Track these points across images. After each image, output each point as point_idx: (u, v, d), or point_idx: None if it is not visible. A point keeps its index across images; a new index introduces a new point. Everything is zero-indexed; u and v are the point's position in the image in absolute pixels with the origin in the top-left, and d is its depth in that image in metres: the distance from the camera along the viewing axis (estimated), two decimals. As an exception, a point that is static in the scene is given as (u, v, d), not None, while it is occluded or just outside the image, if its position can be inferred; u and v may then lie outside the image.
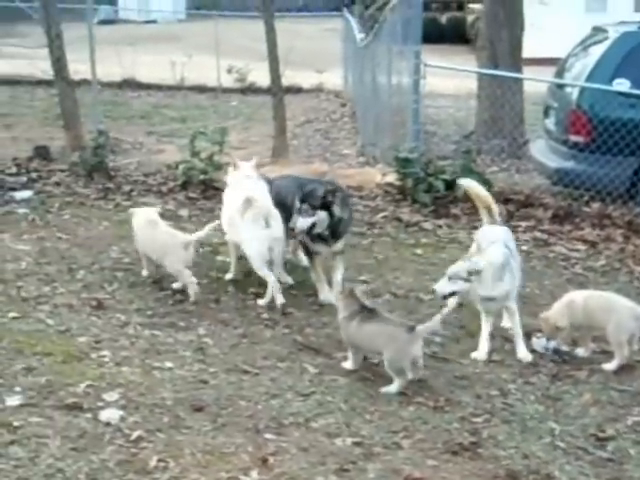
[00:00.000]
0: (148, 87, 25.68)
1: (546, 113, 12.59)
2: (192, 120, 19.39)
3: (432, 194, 10.73)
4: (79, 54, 16.20)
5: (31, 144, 14.59)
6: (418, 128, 11.64)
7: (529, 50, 16.83)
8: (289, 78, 17.74)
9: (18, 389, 5.82)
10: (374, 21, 18.38)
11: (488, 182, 10.08)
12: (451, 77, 16.59)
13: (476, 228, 10.10)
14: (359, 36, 19.68)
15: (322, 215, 7.58)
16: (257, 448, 5.27)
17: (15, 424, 5.35)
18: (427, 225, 10.22)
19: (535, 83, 15.07)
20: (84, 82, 18.10)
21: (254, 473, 4.99)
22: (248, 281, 8.00)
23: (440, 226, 10.20)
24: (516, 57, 15.39)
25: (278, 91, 14.12)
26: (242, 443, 5.30)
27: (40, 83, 24.38)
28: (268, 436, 5.42)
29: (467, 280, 6.69)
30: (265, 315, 7.37)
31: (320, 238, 7.72)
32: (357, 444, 5.40)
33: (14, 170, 12.52)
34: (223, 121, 15.23)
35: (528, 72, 15.65)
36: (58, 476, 4.82)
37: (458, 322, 7.41)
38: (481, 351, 6.82)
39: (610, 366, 6.70)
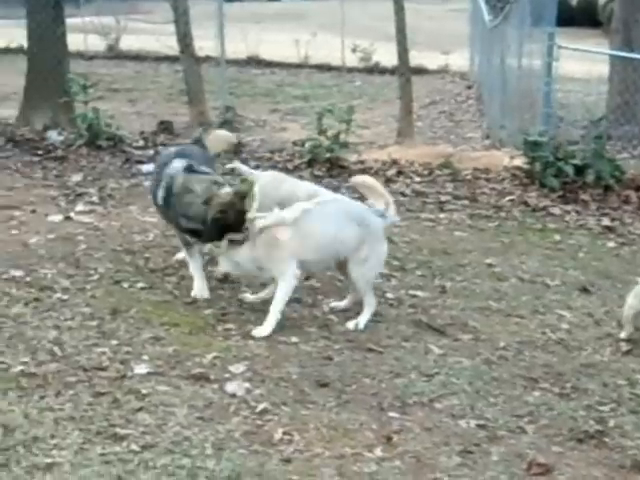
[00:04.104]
0: (272, 65, 25.89)
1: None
2: (315, 99, 19.47)
3: (561, 179, 10.57)
4: (204, 30, 16.39)
5: (155, 119, 14.86)
6: (549, 112, 11.48)
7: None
8: (414, 59, 17.63)
9: (146, 358, 5.89)
10: (504, 2, 18.14)
11: (619, 168, 9.89)
12: (581, 60, 16.28)
13: (606, 215, 9.97)
14: (488, 17, 19.47)
15: None
16: (381, 426, 5.25)
17: (143, 392, 5.41)
18: (555, 210, 10.07)
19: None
20: (208, 59, 18.34)
21: (378, 450, 4.97)
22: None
23: (568, 212, 10.04)
24: (652, 40, 15.05)
25: (405, 71, 14.07)
26: (366, 420, 5.29)
27: (165, 59, 24.77)
28: (392, 414, 5.39)
29: None
30: (390, 294, 7.35)
31: None
32: (481, 427, 5.34)
33: (141, 143, 12.75)
34: (347, 100, 15.24)
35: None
36: (185, 444, 4.86)
37: (585, 309, 7.29)
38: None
39: None
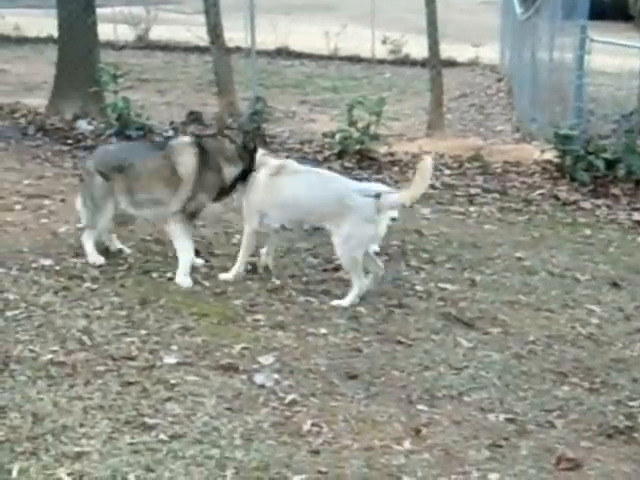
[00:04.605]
0: (302, 56, 25.85)
1: None
2: (345, 90, 19.45)
3: (592, 173, 10.49)
4: (234, 21, 16.38)
5: (184, 109, 14.86)
6: (580, 105, 11.41)
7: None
8: (445, 51, 17.56)
9: (175, 348, 5.90)
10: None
11: (650, 164, 9.84)
12: (613, 54, 16.15)
13: (636, 210, 9.90)
14: (519, 10, 19.37)
15: None
16: (410, 419, 5.23)
17: (172, 382, 5.42)
18: (585, 204, 10.01)
19: None
20: (238, 50, 18.34)
21: (407, 443, 4.96)
22: (403, 255, 8.02)
23: (599, 206, 9.98)
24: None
25: (436, 64, 14.02)
26: (395, 413, 5.28)
27: (194, 49, 24.77)
28: (421, 407, 5.38)
29: None
30: (419, 287, 7.32)
31: None
32: (510, 420, 5.31)
33: (171, 134, 12.74)
34: (376, 92, 15.18)
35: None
36: (213, 434, 4.87)
37: (615, 304, 7.24)
38: None
39: None
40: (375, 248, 7.36)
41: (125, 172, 7.20)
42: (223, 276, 7.17)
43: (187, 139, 7.45)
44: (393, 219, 7.43)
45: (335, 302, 6.84)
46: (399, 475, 4.64)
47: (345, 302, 6.83)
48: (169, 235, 7.32)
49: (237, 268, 7.18)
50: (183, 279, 7.03)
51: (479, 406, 5.46)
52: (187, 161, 7.14)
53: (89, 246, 7.36)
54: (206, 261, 7.54)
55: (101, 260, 7.31)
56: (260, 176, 7.11)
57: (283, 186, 7.02)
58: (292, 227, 7.23)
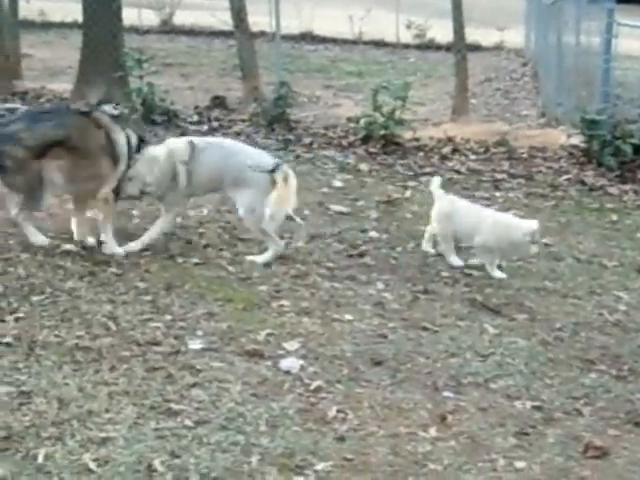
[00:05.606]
0: (326, 41, 25.75)
1: None
2: (369, 75, 19.35)
3: (619, 158, 10.44)
4: (257, 5, 16.33)
5: (208, 94, 14.83)
6: (607, 90, 11.33)
7: None
8: (469, 35, 17.44)
9: (200, 333, 5.89)
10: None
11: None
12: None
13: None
14: (545, -7, 19.24)
15: None
16: (436, 405, 5.21)
17: (197, 367, 5.42)
18: (612, 190, 9.96)
19: None
20: (262, 34, 18.29)
21: (432, 430, 4.94)
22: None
23: (626, 191, 9.93)
24: None
25: (462, 48, 13.94)
26: (420, 399, 5.26)
27: (218, 34, 24.71)
28: (447, 394, 5.36)
29: None
30: (445, 273, 7.29)
31: None
32: (537, 408, 5.29)
33: (195, 118, 12.74)
34: (400, 77, 15.11)
35: None
36: (239, 420, 4.86)
37: (645, 292, 7.21)
38: None
39: None
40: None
41: None
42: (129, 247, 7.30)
43: None
44: None
45: (250, 257, 7.23)
46: (425, 462, 4.63)
47: (258, 260, 7.18)
48: None
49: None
50: None
51: (505, 393, 5.44)
52: None
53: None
54: None
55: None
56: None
57: None
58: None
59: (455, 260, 7.42)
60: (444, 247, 7.48)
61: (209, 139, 8.10)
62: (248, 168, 7.19)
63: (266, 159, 7.36)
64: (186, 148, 7.34)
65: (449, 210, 7.47)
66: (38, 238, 7.19)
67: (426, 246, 7.65)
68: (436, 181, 7.74)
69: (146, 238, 7.32)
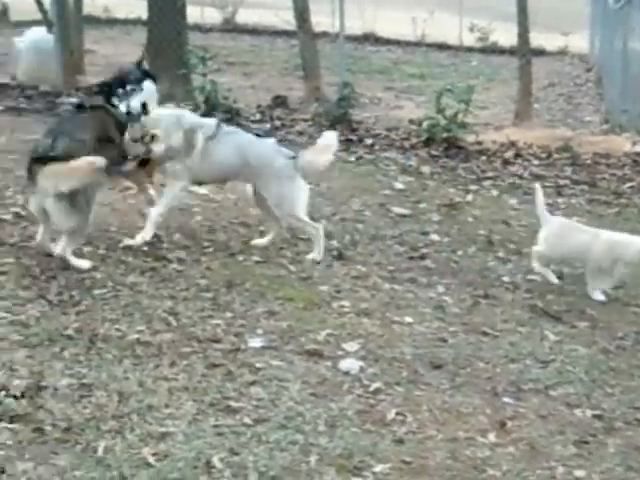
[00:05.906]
0: (388, 42, 25.76)
1: None
2: (431, 78, 19.34)
3: (685, 166, 10.33)
4: (321, 6, 16.36)
5: (269, 93, 14.88)
6: (674, 97, 11.21)
7: None
8: (533, 39, 17.36)
9: (260, 332, 5.90)
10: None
11: None
12: None
13: None
14: (611, -1, 19.05)
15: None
16: (495, 411, 5.18)
17: (257, 365, 5.42)
18: (677, 199, 9.85)
19: None
20: (325, 34, 18.32)
21: (491, 436, 4.91)
22: (490, 245, 7.96)
23: (690, 201, 9.81)
24: None
25: (526, 52, 13.85)
26: (480, 404, 5.23)
27: (281, 33, 24.80)
28: (506, 400, 5.32)
29: None
30: (506, 278, 7.25)
31: None
32: (597, 417, 5.23)
33: (258, 117, 12.77)
34: (463, 80, 15.05)
35: None
36: (298, 419, 4.85)
37: None
38: None
39: None
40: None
41: None
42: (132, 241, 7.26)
43: None
44: None
45: (309, 256, 7.28)
46: (484, 468, 4.60)
47: (316, 256, 7.25)
48: None
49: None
50: None
51: (565, 401, 5.39)
52: None
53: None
54: None
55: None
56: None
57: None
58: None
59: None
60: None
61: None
62: (272, 155, 7.34)
63: (284, 150, 7.55)
64: (214, 125, 7.47)
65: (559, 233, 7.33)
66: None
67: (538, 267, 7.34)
68: (540, 204, 7.48)
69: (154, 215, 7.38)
